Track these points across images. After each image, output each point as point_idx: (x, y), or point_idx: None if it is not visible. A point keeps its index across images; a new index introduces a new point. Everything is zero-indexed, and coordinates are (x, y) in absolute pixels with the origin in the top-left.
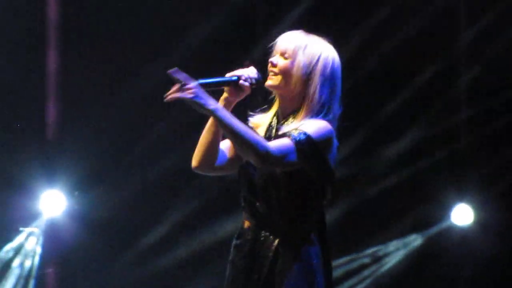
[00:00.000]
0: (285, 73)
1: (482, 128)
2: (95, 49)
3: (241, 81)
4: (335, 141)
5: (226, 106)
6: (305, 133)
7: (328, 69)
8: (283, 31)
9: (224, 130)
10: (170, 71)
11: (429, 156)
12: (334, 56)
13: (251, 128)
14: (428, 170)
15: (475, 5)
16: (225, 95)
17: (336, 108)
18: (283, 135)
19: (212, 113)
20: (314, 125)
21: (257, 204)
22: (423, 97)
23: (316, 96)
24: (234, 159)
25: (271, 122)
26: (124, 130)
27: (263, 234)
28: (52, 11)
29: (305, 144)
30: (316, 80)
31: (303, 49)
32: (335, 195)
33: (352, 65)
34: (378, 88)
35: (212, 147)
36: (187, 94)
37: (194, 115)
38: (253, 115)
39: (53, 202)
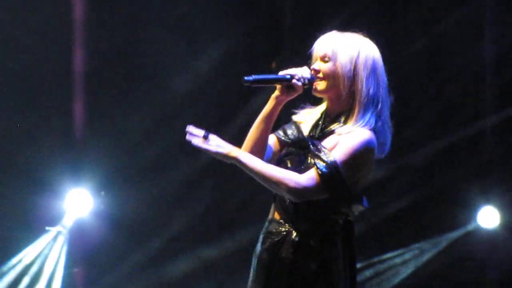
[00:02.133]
0: (330, 75)
1: (508, 131)
2: (122, 51)
3: (294, 80)
4: (374, 153)
5: (276, 104)
6: (332, 164)
7: (370, 62)
8: (317, 36)
9: (250, 174)
10: (188, 128)
11: (456, 159)
12: (373, 48)
13: (295, 123)
14: (455, 173)
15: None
16: (276, 93)
17: (386, 98)
18: (315, 158)
19: (236, 160)
20: (349, 146)
21: (288, 203)
22: (450, 102)
23: (364, 89)
24: (279, 152)
25: (318, 121)
26: (150, 130)
27: (287, 229)
28: (79, 11)
29: (331, 177)
30: (361, 74)
31: (342, 48)
32: (360, 211)
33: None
34: (404, 93)
35: (262, 140)
36: (211, 147)
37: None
38: (297, 112)
39: (79, 201)
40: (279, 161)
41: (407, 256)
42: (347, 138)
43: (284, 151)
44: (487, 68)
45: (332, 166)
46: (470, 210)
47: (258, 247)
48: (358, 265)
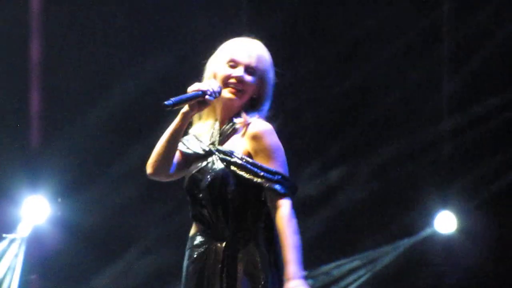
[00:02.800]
0: (251, 89)
1: (466, 135)
2: (80, 56)
3: (206, 96)
4: None
5: (185, 120)
6: (280, 177)
7: (273, 74)
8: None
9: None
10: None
11: (412, 163)
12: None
13: (193, 136)
14: (411, 177)
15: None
16: (186, 109)
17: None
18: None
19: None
20: (271, 148)
21: (204, 210)
22: (408, 105)
23: (267, 98)
24: (182, 165)
25: (213, 128)
26: (109, 136)
27: (209, 240)
28: (35, 21)
29: (289, 187)
30: (268, 86)
31: (267, 65)
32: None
33: (333, 73)
34: (363, 94)
35: (171, 156)
36: None
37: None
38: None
39: (36, 208)
40: (192, 179)
41: (361, 262)
42: (258, 142)
43: (192, 166)
44: (445, 72)
45: (282, 179)
46: (426, 215)
47: (185, 262)
48: (310, 273)
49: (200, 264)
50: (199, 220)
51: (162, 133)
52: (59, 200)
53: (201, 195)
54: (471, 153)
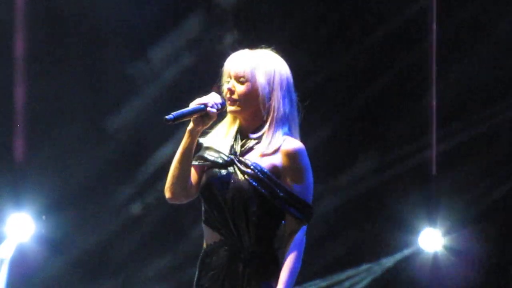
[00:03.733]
0: (246, 97)
1: (453, 152)
2: (61, 73)
3: (208, 109)
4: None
5: (193, 137)
6: (299, 204)
7: (285, 82)
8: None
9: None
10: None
11: (397, 180)
12: (286, 67)
13: (207, 147)
14: (395, 194)
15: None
16: (191, 126)
17: (296, 115)
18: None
19: None
20: (306, 175)
21: (224, 219)
22: (394, 120)
23: (281, 109)
24: (198, 183)
25: (234, 139)
26: (92, 152)
27: (227, 256)
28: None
29: (306, 212)
30: (278, 95)
31: (258, 69)
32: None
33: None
34: (347, 109)
35: (186, 176)
36: None
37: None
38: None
39: (20, 226)
40: (210, 186)
41: (345, 280)
42: (291, 160)
43: (205, 176)
44: (433, 91)
45: (300, 204)
46: (411, 233)
47: (200, 279)
48: None
49: (219, 281)
50: (216, 228)
51: (148, 150)
52: (44, 217)
53: (222, 204)
54: (457, 170)
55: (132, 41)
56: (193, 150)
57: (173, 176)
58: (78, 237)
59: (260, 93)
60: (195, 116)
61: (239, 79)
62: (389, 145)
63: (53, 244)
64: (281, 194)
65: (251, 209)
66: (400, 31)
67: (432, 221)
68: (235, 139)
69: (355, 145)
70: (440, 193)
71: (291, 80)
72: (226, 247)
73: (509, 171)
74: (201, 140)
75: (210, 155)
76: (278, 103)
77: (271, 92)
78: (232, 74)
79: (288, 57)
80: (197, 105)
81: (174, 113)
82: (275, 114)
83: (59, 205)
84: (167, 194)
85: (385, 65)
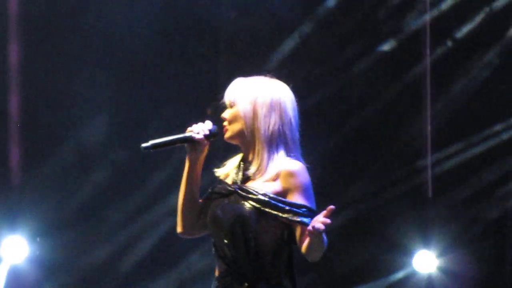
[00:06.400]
0: (233, 120)
1: (448, 173)
2: (56, 93)
3: (193, 134)
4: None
5: (191, 164)
6: (308, 211)
7: (269, 100)
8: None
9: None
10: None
11: (393, 201)
12: (275, 87)
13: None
14: (390, 214)
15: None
16: (187, 155)
17: (293, 135)
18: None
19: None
20: (308, 192)
21: (226, 249)
22: (388, 142)
23: (264, 126)
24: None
25: (237, 167)
26: (87, 173)
27: (232, 281)
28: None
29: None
30: (260, 112)
31: (243, 91)
32: None
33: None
34: (342, 132)
35: (193, 207)
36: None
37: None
38: (221, 166)
39: (14, 248)
40: (213, 217)
41: None
42: (292, 180)
43: (210, 208)
44: (427, 114)
45: (308, 212)
46: (405, 254)
47: None
48: None
49: None
50: (222, 258)
51: (144, 173)
52: (38, 239)
53: (222, 233)
54: (451, 192)
55: None
56: (195, 180)
57: (180, 210)
58: (72, 259)
59: (243, 113)
60: (179, 144)
61: (230, 105)
62: (385, 168)
63: (47, 267)
64: (287, 208)
65: (250, 234)
66: (394, 54)
67: (426, 243)
68: (238, 168)
69: (351, 167)
70: (435, 215)
71: (285, 100)
72: (230, 277)
73: (503, 193)
74: (217, 174)
75: (216, 188)
76: (263, 123)
77: (253, 111)
78: (226, 103)
79: (283, 81)
80: (184, 134)
81: (152, 141)
82: (259, 134)
83: (53, 228)
84: (178, 229)
85: (380, 88)
